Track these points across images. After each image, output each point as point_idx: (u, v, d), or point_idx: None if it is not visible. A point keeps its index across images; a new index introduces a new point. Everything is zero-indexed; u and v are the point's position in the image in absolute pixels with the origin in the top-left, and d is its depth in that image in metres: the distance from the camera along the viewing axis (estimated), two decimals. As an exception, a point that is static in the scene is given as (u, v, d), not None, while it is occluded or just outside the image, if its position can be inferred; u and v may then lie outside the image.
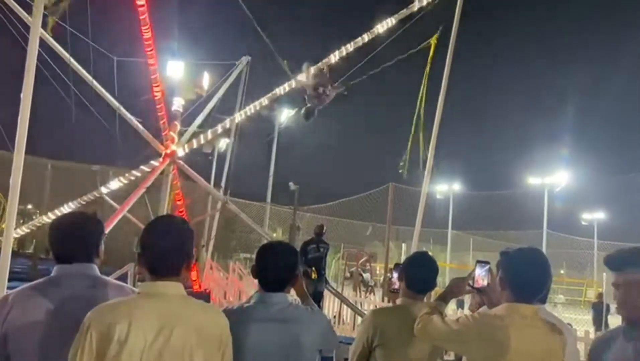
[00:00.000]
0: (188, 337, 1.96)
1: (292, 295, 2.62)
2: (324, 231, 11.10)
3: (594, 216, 39.36)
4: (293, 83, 9.30)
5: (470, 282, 2.63)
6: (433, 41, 8.41)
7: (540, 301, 2.65)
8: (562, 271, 35.56)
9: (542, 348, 2.36)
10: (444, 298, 2.65)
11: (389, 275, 16.42)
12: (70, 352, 1.93)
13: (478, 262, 2.64)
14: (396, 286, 3.04)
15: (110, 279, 2.47)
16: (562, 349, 2.41)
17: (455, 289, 2.68)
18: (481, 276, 2.61)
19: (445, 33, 8.40)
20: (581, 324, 16.03)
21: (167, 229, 2.13)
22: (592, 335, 10.28)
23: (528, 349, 2.32)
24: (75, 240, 2.35)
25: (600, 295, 16.66)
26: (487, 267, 2.62)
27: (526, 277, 2.44)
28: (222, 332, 2.07)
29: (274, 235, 24.50)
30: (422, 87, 8.47)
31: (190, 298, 2.12)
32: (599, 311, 15.30)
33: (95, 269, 2.37)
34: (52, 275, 2.33)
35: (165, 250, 2.06)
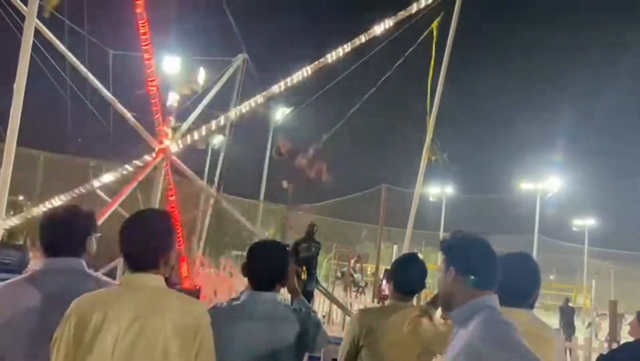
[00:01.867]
0: (162, 327, 1.96)
1: (281, 294, 2.62)
2: (315, 230, 11.10)
3: (585, 222, 39.59)
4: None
5: None
6: (435, 26, 8.37)
7: (528, 306, 2.66)
8: (551, 277, 35.77)
9: None
10: (434, 302, 2.66)
11: (380, 281, 16.42)
12: (53, 338, 1.96)
13: None
14: (387, 292, 3.06)
15: (97, 274, 2.46)
16: (551, 355, 2.42)
17: None
18: None
19: (443, 26, 8.37)
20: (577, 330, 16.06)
21: (143, 223, 2.16)
22: (580, 342, 10.36)
23: None
24: (63, 233, 2.35)
25: (567, 299, 16.65)
26: None
27: (515, 282, 2.45)
28: (199, 323, 2.05)
29: (266, 233, 24.47)
30: (430, 72, 8.36)
31: (170, 290, 2.13)
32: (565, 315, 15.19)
33: (82, 263, 2.37)
34: (38, 268, 2.33)
35: (140, 244, 2.10)
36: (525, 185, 35.37)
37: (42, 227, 2.37)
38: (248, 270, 2.52)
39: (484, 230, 36.10)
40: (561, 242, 39.42)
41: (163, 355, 1.95)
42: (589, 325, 17.84)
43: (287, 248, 2.69)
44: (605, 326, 17.05)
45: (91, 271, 2.40)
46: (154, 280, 2.08)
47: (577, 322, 23.19)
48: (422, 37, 8.29)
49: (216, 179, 13.79)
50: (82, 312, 1.96)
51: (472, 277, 1.97)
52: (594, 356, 8.65)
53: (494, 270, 2.02)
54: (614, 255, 37.05)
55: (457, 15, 8.42)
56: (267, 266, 2.50)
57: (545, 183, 34.41)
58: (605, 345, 8.97)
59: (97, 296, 2.04)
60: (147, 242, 2.10)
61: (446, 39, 8.46)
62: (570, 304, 16.25)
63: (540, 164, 36.51)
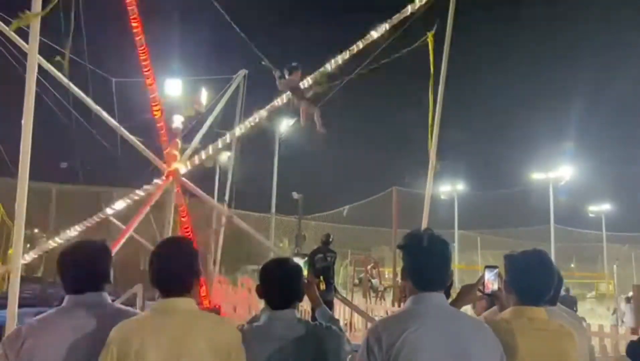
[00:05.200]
0: (198, 348, 2.08)
1: (302, 306, 2.62)
2: (330, 240, 11.09)
3: (601, 208, 39.15)
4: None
5: (481, 288, 2.61)
6: (430, 37, 8.33)
7: (549, 303, 2.64)
8: (572, 265, 35.38)
9: (550, 351, 2.34)
10: (454, 305, 2.64)
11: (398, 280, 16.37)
12: None
13: (486, 267, 2.64)
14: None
15: (121, 306, 2.51)
16: (572, 351, 2.38)
17: (466, 295, 2.65)
18: (490, 281, 2.61)
19: (442, 29, 8.31)
20: (594, 318, 15.89)
21: (174, 252, 2.28)
22: (606, 329, 10.20)
23: (536, 352, 2.30)
24: (85, 270, 2.39)
25: (567, 289, 16.26)
26: (496, 270, 2.61)
27: (530, 279, 2.43)
28: (231, 343, 2.16)
29: (281, 245, 24.48)
30: (430, 82, 8.25)
31: (202, 312, 2.27)
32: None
33: (106, 297, 2.41)
34: (63, 305, 2.37)
35: (175, 272, 2.22)
36: (537, 176, 35.07)
37: (61, 266, 2.39)
38: (263, 291, 2.52)
39: (500, 225, 35.83)
40: (578, 230, 39.01)
41: None
42: (614, 311, 17.60)
43: (300, 263, 2.68)
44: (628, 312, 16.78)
45: (114, 304, 2.43)
46: (187, 304, 2.20)
47: (602, 309, 22.89)
48: (417, 43, 8.25)
49: (226, 197, 13.84)
50: (123, 339, 2.07)
51: None
52: (622, 343, 8.51)
53: None
54: (633, 238, 36.58)
55: (453, 10, 8.39)
56: (281, 285, 2.49)
57: (557, 172, 34.10)
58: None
59: (135, 323, 2.17)
60: (177, 269, 2.22)
61: (444, 39, 8.43)
62: (571, 294, 15.89)
63: (550, 153, 36.23)
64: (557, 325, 2.44)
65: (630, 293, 16.42)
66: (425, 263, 2.26)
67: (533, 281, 2.43)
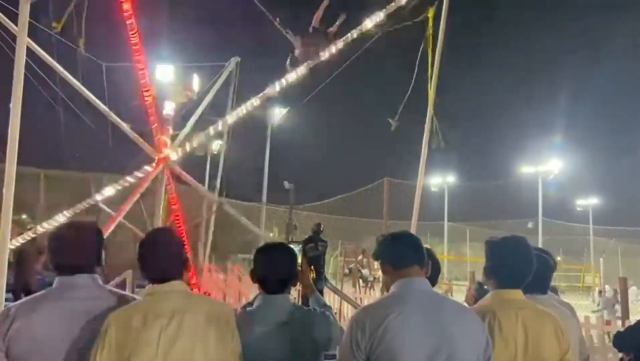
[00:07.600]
0: (198, 319, 2.17)
1: (293, 295, 2.63)
2: (321, 229, 11.11)
3: (589, 202, 39.57)
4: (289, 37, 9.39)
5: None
6: (430, 14, 8.27)
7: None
8: (559, 258, 35.76)
9: (530, 329, 2.38)
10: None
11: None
12: (94, 347, 2.09)
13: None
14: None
15: (112, 288, 2.47)
16: (553, 333, 2.42)
17: None
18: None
19: (436, 16, 8.24)
20: (580, 309, 16.08)
21: (162, 241, 2.36)
22: (592, 320, 10.33)
23: (517, 333, 2.35)
24: (75, 251, 2.34)
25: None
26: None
27: (507, 264, 2.49)
28: (228, 317, 2.27)
29: (271, 234, 24.47)
30: (430, 58, 8.19)
31: (196, 293, 2.35)
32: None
33: (97, 279, 2.38)
34: (53, 286, 2.33)
35: (162, 259, 2.29)
36: (526, 169, 35.33)
37: (52, 245, 2.36)
38: (256, 275, 2.51)
39: (488, 217, 36.10)
40: (566, 223, 39.43)
41: (204, 342, 2.15)
42: (599, 303, 17.85)
43: (292, 247, 2.69)
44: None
45: (105, 286, 2.41)
46: (181, 286, 2.29)
47: (588, 301, 23.21)
48: (419, 19, 8.17)
49: (217, 185, 13.79)
50: (122, 319, 2.13)
51: None
52: (608, 334, 8.62)
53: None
54: (619, 232, 37.04)
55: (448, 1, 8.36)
56: (274, 269, 2.49)
57: (546, 165, 34.37)
58: (619, 322, 8.95)
59: (132, 305, 2.24)
60: (167, 257, 2.30)
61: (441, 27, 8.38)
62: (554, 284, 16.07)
63: (539, 147, 36.46)
64: (538, 308, 2.48)
65: (606, 286, 16.83)
66: (397, 245, 2.41)
67: (511, 266, 2.50)
